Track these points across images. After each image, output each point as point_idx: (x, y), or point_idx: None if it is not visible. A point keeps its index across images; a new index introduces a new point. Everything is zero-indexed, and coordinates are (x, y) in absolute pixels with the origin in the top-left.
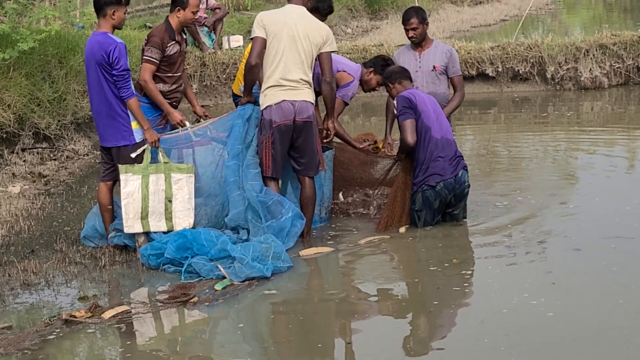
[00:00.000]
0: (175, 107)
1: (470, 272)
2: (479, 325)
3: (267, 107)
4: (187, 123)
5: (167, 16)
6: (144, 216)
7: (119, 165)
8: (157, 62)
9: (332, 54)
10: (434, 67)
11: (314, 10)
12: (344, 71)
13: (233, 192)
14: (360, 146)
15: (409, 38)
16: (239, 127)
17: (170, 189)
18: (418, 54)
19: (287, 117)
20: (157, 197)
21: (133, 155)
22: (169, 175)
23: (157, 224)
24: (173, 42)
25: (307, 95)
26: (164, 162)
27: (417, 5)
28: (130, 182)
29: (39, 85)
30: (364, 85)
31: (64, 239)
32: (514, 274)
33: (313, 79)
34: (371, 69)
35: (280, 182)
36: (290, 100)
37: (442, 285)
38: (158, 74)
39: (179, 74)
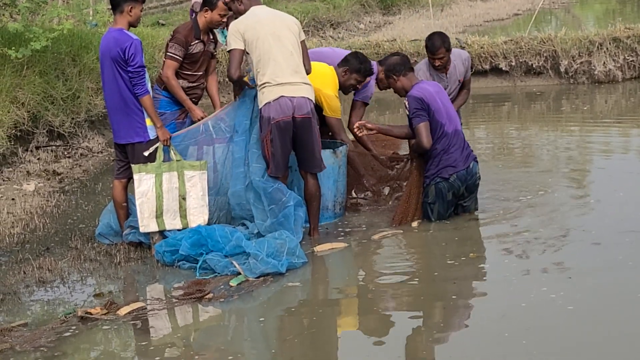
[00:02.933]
0: (195, 104)
1: (487, 265)
2: (500, 319)
3: (265, 104)
4: (209, 121)
5: (195, 14)
6: (159, 215)
7: (132, 166)
8: (180, 59)
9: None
10: (459, 80)
11: (355, 71)
12: None
13: (238, 168)
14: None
15: (435, 67)
16: (245, 104)
17: (183, 186)
18: (445, 75)
19: (286, 113)
20: (171, 195)
21: (146, 153)
22: (182, 172)
23: (172, 222)
24: (197, 41)
25: (305, 91)
26: (177, 160)
27: (429, 3)
28: (144, 182)
29: (52, 84)
30: (379, 83)
31: (79, 236)
32: (531, 268)
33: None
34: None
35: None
36: (289, 97)
37: (459, 280)
38: (179, 70)
39: (201, 72)
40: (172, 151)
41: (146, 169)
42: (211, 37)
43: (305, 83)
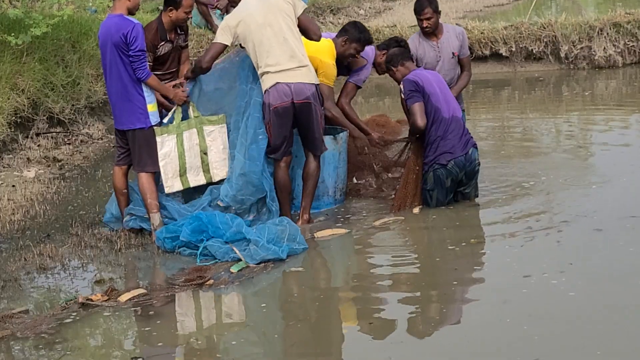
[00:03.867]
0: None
1: (488, 251)
2: (502, 305)
3: (265, 91)
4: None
5: (160, 13)
6: (182, 173)
7: (155, 128)
8: (150, 63)
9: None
10: (453, 53)
11: (355, 41)
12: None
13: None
14: (374, 135)
15: (423, 28)
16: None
17: (204, 141)
18: (436, 44)
19: (284, 99)
20: (193, 152)
21: (165, 120)
22: (201, 129)
23: (195, 179)
24: (164, 42)
25: (303, 76)
26: (195, 117)
27: None
28: (166, 143)
29: (52, 70)
30: (378, 68)
31: (80, 223)
32: (532, 254)
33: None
34: (384, 51)
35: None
36: (285, 82)
37: (460, 266)
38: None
39: (173, 69)
40: (191, 108)
41: (167, 130)
42: (179, 31)
43: (303, 66)
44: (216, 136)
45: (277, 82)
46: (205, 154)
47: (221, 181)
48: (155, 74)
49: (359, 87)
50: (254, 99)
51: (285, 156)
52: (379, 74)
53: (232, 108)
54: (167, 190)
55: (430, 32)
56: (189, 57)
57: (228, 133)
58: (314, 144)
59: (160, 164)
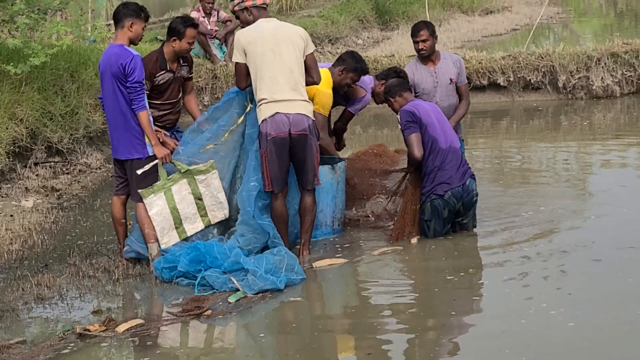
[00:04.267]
0: (170, 129)
1: (486, 281)
2: (500, 335)
3: (262, 120)
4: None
5: (162, 43)
6: (178, 225)
7: (140, 192)
8: (147, 92)
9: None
10: (451, 79)
11: (352, 70)
12: (357, 85)
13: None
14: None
15: (419, 51)
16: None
17: (197, 188)
18: (433, 69)
19: (282, 129)
20: (186, 202)
21: (139, 171)
22: (192, 179)
23: (192, 227)
24: (163, 71)
25: (302, 108)
26: (183, 172)
27: (427, 17)
28: (155, 203)
29: (51, 100)
30: (376, 97)
31: (78, 253)
32: (531, 284)
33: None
34: (383, 81)
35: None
36: (285, 113)
37: (459, 296)
38: (149, 100)
39: (173, 100)
40: (175, 164)
41: (153, 190)
42: (182, 62)
43: (303, 100)
44: (209, 182)
45: (277, 112)
46: (200, 199)
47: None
48: (153, 103)
49: (353, 115)
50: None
51: (283, 188)
52: (377, 104)
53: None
54: (163, 246)
55: (426, 55)
56: (194, 88)
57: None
58: (307, 178)
59: (154, 223)
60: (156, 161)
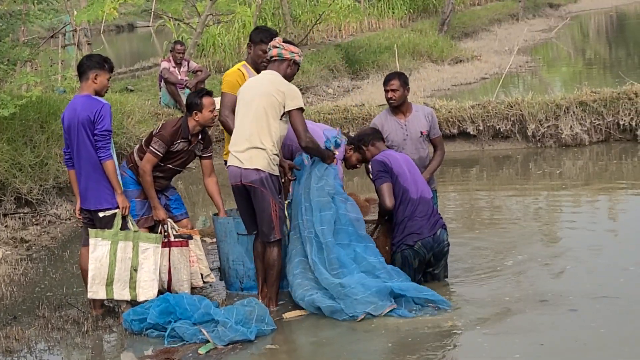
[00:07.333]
0: (158, 192)
1: (459, 332)
2: None
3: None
4: (169, 222)
5: (186, 115)
6: (109, 283)
7: (89, 230)
8: (161, 155)
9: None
10: (421, 132)
11: (256, 43)
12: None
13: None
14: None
15: (388, 100)
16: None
17: (136, 257)
18: (403, 121)
19: (236, 179)
20: (124, 265)
21: (101, 214)
22: (137, 244)
23: (120, 292)
24: (182, 140)
25: (253, 162)
26: (134, 231)
27: (397, 66)
28: (99, 247)
29: (20, 150)
30: (346, 162)
31: (47, 305)
32: (505, 335)
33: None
34: (351, 147)
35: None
36: (236, 166)
37: (432, 346)
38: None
39: (176, 168)
40: (130, 221)
41: (103, 234)
42: (200, 138)
43: (255, 147)
44: (149, 255)
45: (230, 165)
46: (136, 270)
47: None
48: (158, 163)
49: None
50: None
51: (251, 231)
52: (347, 168)
53: None
54: (90, 295)
55: (396, 106)
56: (214, 170)
57: None
58: (261, 230)
59: (90, 267)
60: (117, 210)
